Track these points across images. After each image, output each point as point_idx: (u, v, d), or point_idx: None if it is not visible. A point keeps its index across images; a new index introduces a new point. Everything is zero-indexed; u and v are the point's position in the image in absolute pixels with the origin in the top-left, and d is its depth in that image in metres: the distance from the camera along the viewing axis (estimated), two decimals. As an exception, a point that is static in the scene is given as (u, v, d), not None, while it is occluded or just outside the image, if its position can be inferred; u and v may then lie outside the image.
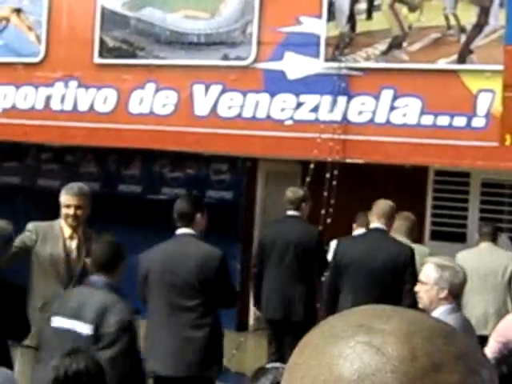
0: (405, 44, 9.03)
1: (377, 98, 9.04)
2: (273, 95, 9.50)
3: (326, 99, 9.23)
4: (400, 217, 7.36)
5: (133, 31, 10.34)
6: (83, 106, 10.45)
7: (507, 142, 8.27)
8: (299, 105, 9.37)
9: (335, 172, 9.05)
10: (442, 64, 8.84)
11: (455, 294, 4.77)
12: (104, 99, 10.34)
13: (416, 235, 7.94)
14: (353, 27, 9.26)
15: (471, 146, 8.64)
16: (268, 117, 9.52)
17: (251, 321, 10.73)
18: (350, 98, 9.17)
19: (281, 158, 10.20)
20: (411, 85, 8.92)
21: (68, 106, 10.54)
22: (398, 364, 0.89)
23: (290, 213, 7.71)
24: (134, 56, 10.32)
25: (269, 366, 3.61)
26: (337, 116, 9.16)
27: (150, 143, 10.09)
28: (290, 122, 9.41)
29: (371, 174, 9.65)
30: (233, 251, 9.83)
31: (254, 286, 7.90)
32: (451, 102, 8.72)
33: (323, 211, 8.93)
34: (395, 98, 8.98)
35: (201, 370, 5.96)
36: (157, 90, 10.08)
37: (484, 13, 8.68)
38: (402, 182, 9.60)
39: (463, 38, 8.77)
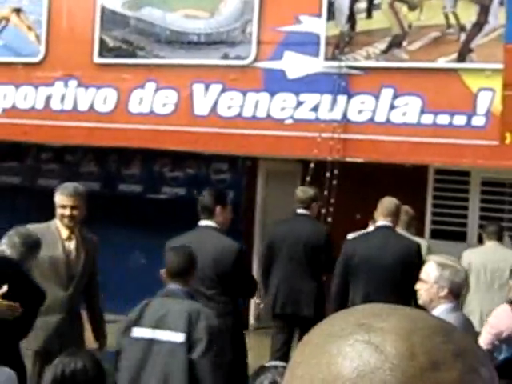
0: (405, 43, 9.03)
1: (377, 96, 9.04)
2: (273, 94, 9.49)
3: (326, 98, 9.23)
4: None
5: (133, 31, 10.34)
6: (83, 106, 10.45)
7: (507, 141, 8.27)
8: (299, 104, 9.36)
9: (335, 171, 9.05)
10: (441, 63, 8.84)
11: (456, 292, 4.77)
12: (104, 99, 10.34)
13: (414, 229, 8.07)
14: (353, 26, 9.26)
15: (471, 144, 8.64)
16: (268, 116, 9.52)
17: (252, 320, 10.73)
18: (349, 97, 9.17)
19: (281, 158, 10.20)
20: (411, 84, 8.92)
21: (68, 106, 10.54)
22: (397, 362, 0.89)
23: (300, 211, 7.83)
24: (133, 55, 10.32)
25: (268, 364, 3.61)
26: (337, 115, 9.16)
27: (150, 143, 10.09)
28: (290, 122, 9.41)
29: (371, 173, 9.65)
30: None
31: (261, 281, 7.96)
32: (451, 101, 8.72)
33: (323, 210, 8.93)
34: (395, 96, 8.98)
35: None
36: (157, 90, 10.08)
37: (484, 11, 8.68)
38: (402, 181, 9.59)
39: (463, 36, 8.77)
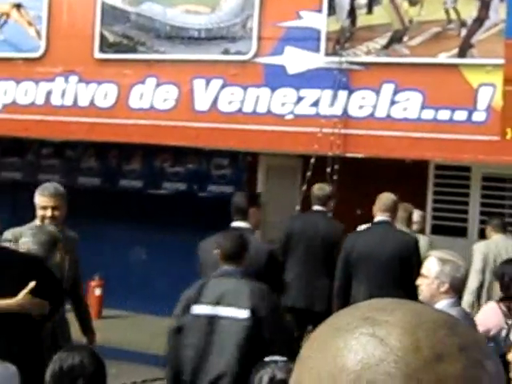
0: (405, 38, 9.03)
1: (377, 92, 9.04)
2: (273, 90, 9.49)
3: (327, 93, 9.23)
4: (400, 207, 7.58)
5: (133, 26, 10.34)
6: (84, 101, 10.45)
7: (508, 136, 8.28)
8: (300, 99, 9.36)
9: (336, 166, 9.05)
10: (442, 58, 8.84)
11: (456, 288, 4.78)
12: (104, 94, 10.34)
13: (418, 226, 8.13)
14: (353, 21, 9.26)
15: (472, 140, 8.64)
16: (268, 111, 9.51)
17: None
18: (350, 92, 9.17)
19: (281, 153, 10.20)
20: (412, 79, 8.91)
21: (68, 101, 10.54)
22: (402, 355, 0.90)
23: (317, 208, 7.95)
24: (134, 51, 10.32)
25: (268, 359, 3.62)
26: (337, 110, 9.16)
27: (150, 138, 10.09)
28: (290, 117, 9.40)
29: (372, 168, 9.65)
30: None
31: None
32: (452, 96, 8.72)
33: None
34: (396, 92, 8.97)
35: None
36: (157, 85, 10.08)
37: (484, 7, 8.67)
38: (402, 177, 9.60)
39: (464, 32, 8.76)
